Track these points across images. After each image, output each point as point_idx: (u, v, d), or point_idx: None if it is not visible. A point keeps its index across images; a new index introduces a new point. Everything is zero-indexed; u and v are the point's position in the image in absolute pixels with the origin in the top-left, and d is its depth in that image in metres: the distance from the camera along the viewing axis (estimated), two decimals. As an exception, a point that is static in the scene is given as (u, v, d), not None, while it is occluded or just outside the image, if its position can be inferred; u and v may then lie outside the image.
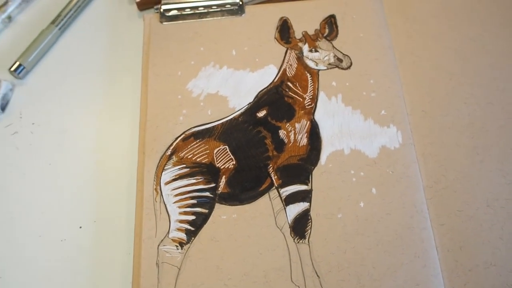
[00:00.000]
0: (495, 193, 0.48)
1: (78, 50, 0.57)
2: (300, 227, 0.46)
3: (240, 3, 0.57)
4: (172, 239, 0.46)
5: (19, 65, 0.55)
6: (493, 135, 0.50)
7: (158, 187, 0.48)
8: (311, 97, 0.51)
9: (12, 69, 0.55)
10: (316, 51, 0.54)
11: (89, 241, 0.48)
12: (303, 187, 0.47)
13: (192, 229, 0.46)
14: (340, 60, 0.53)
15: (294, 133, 0.50)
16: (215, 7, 0.57)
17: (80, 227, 0.48)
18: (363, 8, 0.56)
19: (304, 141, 0.49)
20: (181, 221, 0.46)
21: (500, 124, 0.51)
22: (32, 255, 0.47)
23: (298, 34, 0.55)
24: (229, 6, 0.57)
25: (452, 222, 0.46)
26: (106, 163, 0.51)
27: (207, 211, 0.47)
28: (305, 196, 0.47)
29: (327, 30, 0.55)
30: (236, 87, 0.52)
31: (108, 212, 0.49)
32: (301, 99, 0.51)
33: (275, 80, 0.53)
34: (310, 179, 0.48)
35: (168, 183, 0.48)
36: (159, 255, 0.45)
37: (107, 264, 0.47)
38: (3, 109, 0.53)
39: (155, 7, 0.57)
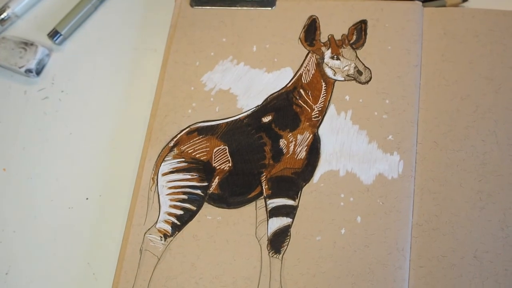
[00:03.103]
0: (487, 244, 0.45)
1: (113, 23, 0.59)
2: (278, 241, 0.47)
3: (273, -6, 0.55)
4: (158, 230, 0.49)
5: (56, 32, 0.58)
6: (504, 181, 0.47)
7: (156, 177, 0.50)
8: (320, 109, 0.50)
9: (50, 35, 0.58)
10: (338, 58, 0.52)
11: (92, 213, 0.52)
12: (290, 202, 0.48)
13: (178, 223, 0.49)
14: (360, 73, 0.51)
15: (295, 145, 0.50)
16: (247, -5, 0.56)
17: (87, 199, 0.53)
18: (400, 16, 0.52)
19: (303, 154, 0.49)
20: (170, 214, 0.49)
21: (514, 171, 0.47)
22: (43, 216, 0.53)
23: (324, 37, 0.53)
24: (261, -5, 0.55)
25: (432, 266, 0.45)
26: (119, 142, 0.54)
27: (195, 208, 0.49)
28: (289, 211, 0.48)
29: (354, 37, 0.52)
30: (248, 87, 0.52)
31: (112, 189, 0.53)
32: (309, 110, 0.50)
33: (288, 85, 0.52)
34: (299, 195, 0.48)
35: (165, 175, 0.50)
36: (143, 242, 0.49)
37: (104, 237, 0.51)
38: (38, 73, 0.57)
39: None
